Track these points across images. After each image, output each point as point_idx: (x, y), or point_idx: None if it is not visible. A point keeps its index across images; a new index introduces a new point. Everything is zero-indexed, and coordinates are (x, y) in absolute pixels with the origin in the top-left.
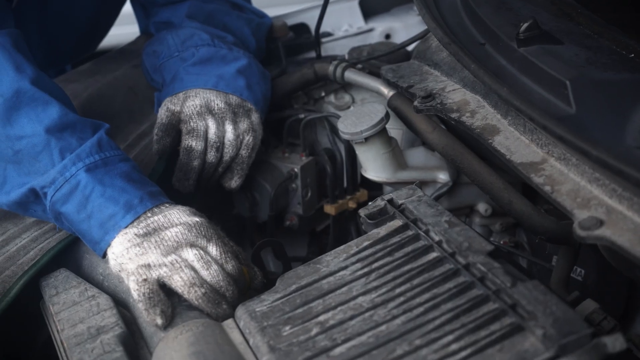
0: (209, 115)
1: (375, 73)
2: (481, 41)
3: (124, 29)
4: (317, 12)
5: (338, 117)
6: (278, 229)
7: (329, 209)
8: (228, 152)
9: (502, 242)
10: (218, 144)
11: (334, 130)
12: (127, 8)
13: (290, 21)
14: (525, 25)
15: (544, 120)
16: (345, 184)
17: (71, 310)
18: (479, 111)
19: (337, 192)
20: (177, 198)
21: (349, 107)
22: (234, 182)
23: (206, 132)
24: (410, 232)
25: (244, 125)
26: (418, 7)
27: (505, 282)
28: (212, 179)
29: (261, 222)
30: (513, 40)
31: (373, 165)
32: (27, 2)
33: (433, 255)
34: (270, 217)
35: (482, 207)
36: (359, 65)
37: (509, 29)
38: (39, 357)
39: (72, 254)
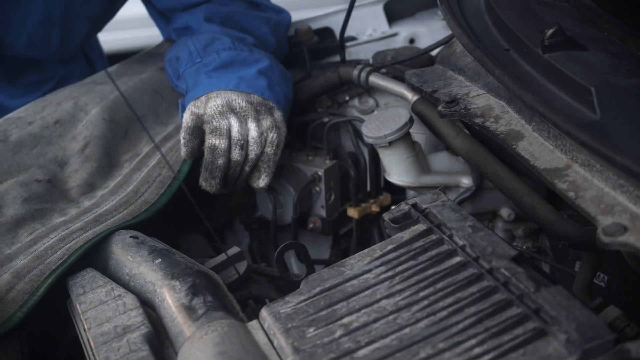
0: (231, 113)
1: (399, 77)
2: (505, 47)
3: (150, 31)
4: (342, 17)
5: (362, 121)
6: (301, 231)
7: (352, 212)
8: (253, 149)
9: (524, 247)
10: (242, 142)
11: (358, 134)
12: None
13: (315, 25)
14: (551, 31)
15: (569, 126)
16: (368, 188)
17: (98, 309)
18: (503, 117)
19: (360, 196)
20: (203, 199)
21: (372, 111)
22: (262, 181)
23: (229, 130)
24: (434, 237)
25: (267, 122)
26: (443, 12)
27: (528, 287)
28: (239, 179)
29: (284, 225)
30: (538, 46)
31: (397, 170)
32: None
33: (457, 259)
34: (293, 220)
35: (505, 212)
36: (383, 70)
37: (534, 35)
38: (64, 355)
39: (99, 255)
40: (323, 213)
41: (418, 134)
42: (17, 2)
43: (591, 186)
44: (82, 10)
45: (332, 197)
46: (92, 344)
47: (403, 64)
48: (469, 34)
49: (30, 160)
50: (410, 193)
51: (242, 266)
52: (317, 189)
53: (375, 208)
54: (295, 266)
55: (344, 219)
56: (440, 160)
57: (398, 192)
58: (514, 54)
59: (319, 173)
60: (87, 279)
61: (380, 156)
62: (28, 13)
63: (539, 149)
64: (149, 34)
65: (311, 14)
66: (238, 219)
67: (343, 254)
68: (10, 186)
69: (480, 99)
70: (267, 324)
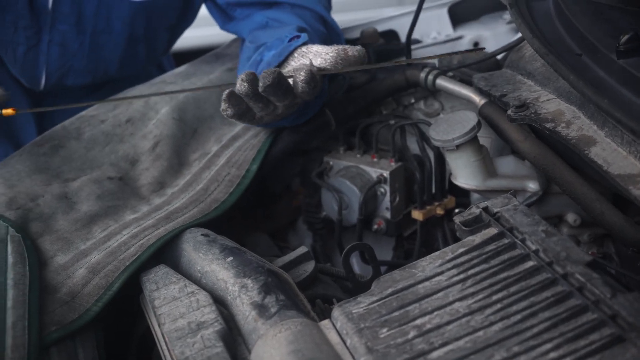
0: None
1: (465, 81)
2: (577, 52)
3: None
4: (406, 19)
5: (429, 123)
6: (364, 232)
7: (417, 214)
8: None
9: (590, 253)
10: None
11: (424, 137)
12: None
13: (380, 28)
14: (626, 37)
15: None
16: (433, 190)
17: (171, 305)
18: (574, 122)
19: (425, 198)
20: (268, 199)
21: (438, 114)
22: None
23: None
24: (506, 241)
25: None
26: (513, 16)
27: (604, 292)
28: None
29: (348, 226)
30: (612, 52)
31: (463, 173)
32: None
33: (530, 264)
34: (359, 221)
35: (571, 217)
36: (450, 73)
37: (608, 40)
38: (136, 349)
39: (170, 252)
40: (388, 215)
41: (483, 137)
42: (106, 29)
43: None
44: (161, 21)
45: (397, 199)
46: (166, 339)
47: (469, 67)
48: (541, 38)
49: (103, 158)
50: (475, 196)
51: (310, 266)
52: (382, 190)
53: (439, 211)
54: (356, 266)
55: (408, 221)
56: (507, 164)
57: (462, 195)
58: (586, 59)
59: (385, 175)
60: (160, 275)
61: (447, 159)
62: (116, 37)
63: (612, 154)
64: (210, 33)
65: (375, 15)
66: (302, 219)
67: (406, 256)
68: (83, 183)
69: (551, 104)
70: (340, 324)
